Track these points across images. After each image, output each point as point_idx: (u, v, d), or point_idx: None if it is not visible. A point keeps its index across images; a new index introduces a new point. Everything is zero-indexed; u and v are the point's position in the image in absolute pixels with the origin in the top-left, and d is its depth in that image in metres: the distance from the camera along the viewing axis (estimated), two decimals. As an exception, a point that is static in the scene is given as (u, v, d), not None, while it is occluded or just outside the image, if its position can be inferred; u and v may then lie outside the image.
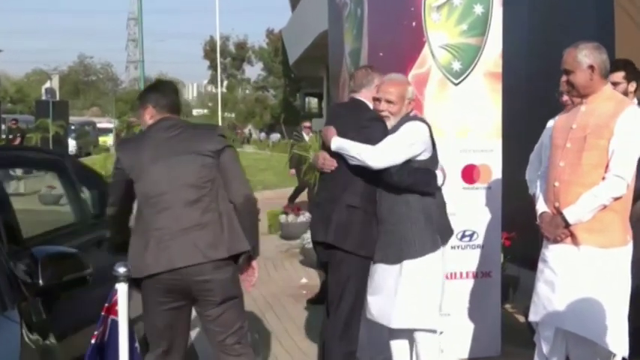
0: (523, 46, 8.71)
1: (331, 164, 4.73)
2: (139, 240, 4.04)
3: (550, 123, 4.90)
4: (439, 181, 4.66)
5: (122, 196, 4.15)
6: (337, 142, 4.65)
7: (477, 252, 5.78)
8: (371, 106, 4.78)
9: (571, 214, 4.16)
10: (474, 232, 5.76)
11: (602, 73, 4.23)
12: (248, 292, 4.34)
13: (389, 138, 4.54)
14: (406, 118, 4.64)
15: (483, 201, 5.76)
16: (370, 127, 4.66)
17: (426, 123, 4.64)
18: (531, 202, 4.61)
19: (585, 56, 4.19)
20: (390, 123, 4.65)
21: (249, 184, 4.29)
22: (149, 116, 4.24)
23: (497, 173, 5.82)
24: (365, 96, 4.86)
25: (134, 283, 3.89)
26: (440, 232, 4.64)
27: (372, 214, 4.64)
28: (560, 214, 4.20)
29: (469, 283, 5.78)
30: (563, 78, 4.31)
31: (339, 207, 4.65)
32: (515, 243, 7.10)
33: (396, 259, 4.56)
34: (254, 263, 4.25)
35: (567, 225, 4.17)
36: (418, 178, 4.54)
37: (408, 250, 4.54)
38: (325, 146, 4.79)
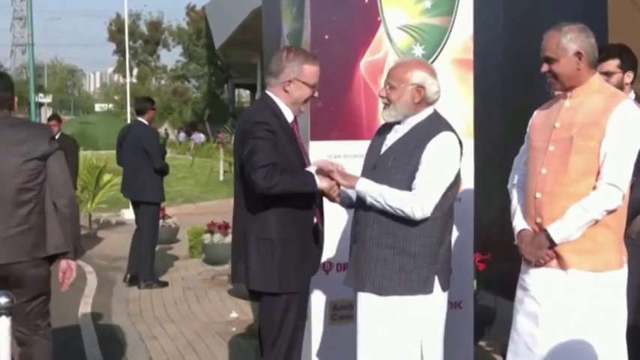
0: (498, 27, 8.80)
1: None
2: None
3: None
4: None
5: None
6: (361, 187, 4.49)
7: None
8: (278, 102, 4.68)
9: (557, 231, 4.17)
10: (440, 254, 5.78)
11: (590, 60, 4.26)
12: (64, 291, 5.31)
13: (425, 174, 4.38)
14: (430, 126, 4.52)
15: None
16: (250, 129, 4.54)
17: (453, 131, 4.55)
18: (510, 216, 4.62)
19: (571, 41, 4.22)
20: (389, 113, 4.57)
21: (72, 187, 5.28)
22: None
23: (468, 181, 5.85)
24: (274, 90, 4.75)
25: None
26: (438, 270, 4.51)
27: (293, 244, 4.60)
28: (544, 231, 4.22)
29: (435, 315, 5.80)
30: (544, 67, 4.31)
31: (250, 241, 4.64)
32: (490, 267, 7.15)
33: (375, 288, 4.50)
34: (72, 264, 5.18)
35: (552, 245, 4.20)
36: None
37: (381, 283, 4.47)
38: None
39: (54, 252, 5.06)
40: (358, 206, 4.62)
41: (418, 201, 4.34)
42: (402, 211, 4.36)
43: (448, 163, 4.45)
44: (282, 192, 4.44)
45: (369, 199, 4.45)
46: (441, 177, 4.42)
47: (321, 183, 4.53)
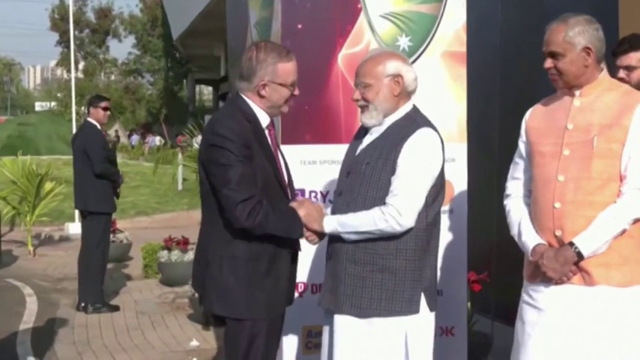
0: (495, 14, 8.83)
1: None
2: None
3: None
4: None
5: None
6: (331, 226, 4.54)
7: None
8: (252, 106, 4.64)
9: (585, 244, 4.17)
10: (430, 273, 5.79)
11: (598, 56, 4.30)
12: None
13: (401, 178, 4.39)
14: (406, 124, 4.51)
15: (443, 230, 5.77)
16: (216, 144, 4.50)
17: (432, 127, 4.55)
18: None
19: (579, 34, 4.23)
20: (370, 115, 4.55)
21: None
22: None
23: (461, 190, 5.86)
24: (247, 95, 4.70)
25: None
26: (425, 288, 4.52)
27: (263, 262, 4.58)
28: (570, 244, 4.21)
29: (424, 343, 5.80)
30: (548, 63, 4.32)
31: (215, 259, 4.59)
32: (487, 287, 7.16)
33: (354, 310, 4.50)
34: None
35: (580, 259, 4.20)
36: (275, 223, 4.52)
37: (360, 303, 4.47)
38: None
39: None
40: None
41: (390, 211, 4.34)
42: (381, 231, 4.38)
43: (427, 164, 4.44)
44: (265, 232, 4.47)
45: (345, 236, 4.49)
46: (420, 180, 4.41)
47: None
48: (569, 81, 4.30)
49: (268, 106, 4.64)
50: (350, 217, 4.46)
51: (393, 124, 4.53)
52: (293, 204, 4.66)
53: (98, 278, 10.54)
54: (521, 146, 4.58)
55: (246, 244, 4.52)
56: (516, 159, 4.64)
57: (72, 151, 10.96)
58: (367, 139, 4.61)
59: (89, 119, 10.81)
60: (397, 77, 4.52)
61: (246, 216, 4.38)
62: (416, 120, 4.53)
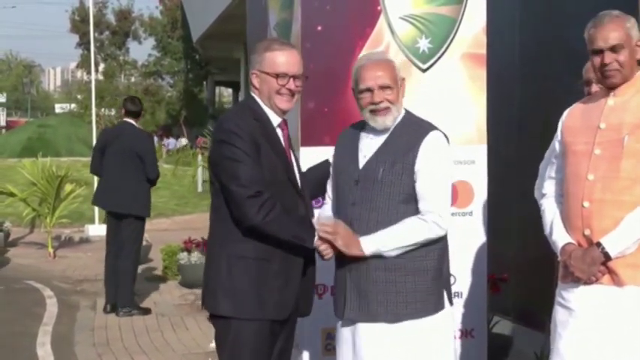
0: (515, 16, 8.83)
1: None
2: None
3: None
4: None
5: None
6: (372, 247, 4.45)
7: (454, 303, 5.80)
8: (262, 104, 4.60)
9: (613, 244, 4.18)
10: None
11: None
12: None
13: (429, 182, 4.43)
14: (411, 126, 4.56)
15: (463, 232, 5.79)
16: (224, 140, 4.47)
17: (438, 129, 4.59)
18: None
19: (633, 27, 4.27)
20: (393, 118, 4.56)
21: None
22: None
23: (481, 193, 5.85)
24: (257, 90, 4.65)
25: None
26: (444, 283, 4.59)
27: (275, 265, 4.52)
28: (598, 245, 4.22)
29: (444, 345, 5.80)
30: (609, 58, 4.29)
31: (222, 258, 4.54)
32: (507, 289, 7.15)
33: (390, 317, 4.50)
34: None
35: (607, 259, 4.21)
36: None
37: (395, 310, 4.47)
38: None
39: None
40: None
41: (433, 218, 4.40)
42: (427, 240, 4.43)
43: (447, 165, 4.54)
44: (274, 233, 4.41)
45: (386, 254, 4.45)
46: (447, 181, 4.51)
47: (317, 241, 4.51)
48: (627, 75, 4.30)
49: (266, 100, 4.59)
50: (390, 233, 4.43)
51: (396, 128, 4.57)
52: (327, 235, 4.49)
53: (130, 280, 10.51)
54: (557, 146, 4.59)
55: (256, 244, 4.45)
56: (552, 158, 4.66)
57: (98, 152, 10.85)
58: (371, 144, 4.62)
59: (130, 120, 10.69)
60: (403, 80, 4.64)
61: (255, 212, 4.33)
62: (422, 123, 4.60)
